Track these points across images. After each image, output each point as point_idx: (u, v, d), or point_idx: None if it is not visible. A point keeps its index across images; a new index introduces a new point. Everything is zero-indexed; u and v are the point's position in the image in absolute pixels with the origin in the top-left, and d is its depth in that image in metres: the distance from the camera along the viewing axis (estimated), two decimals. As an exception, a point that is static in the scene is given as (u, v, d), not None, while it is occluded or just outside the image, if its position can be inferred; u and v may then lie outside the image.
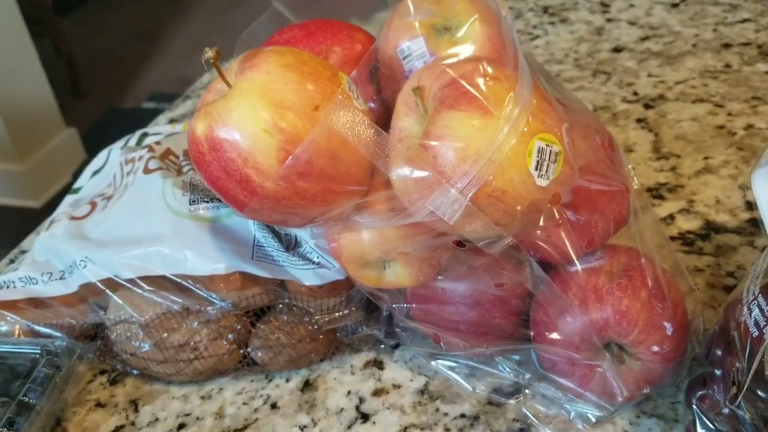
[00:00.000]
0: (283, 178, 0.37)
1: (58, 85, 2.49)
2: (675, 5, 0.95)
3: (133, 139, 0.63)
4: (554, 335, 0.43)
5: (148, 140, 0.62)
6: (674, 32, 0.89)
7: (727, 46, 0.84)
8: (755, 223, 0.59)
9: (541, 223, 0.38)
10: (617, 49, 0.87)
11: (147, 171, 0.53)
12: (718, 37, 0.86)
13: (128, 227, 0.50)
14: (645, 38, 0.89)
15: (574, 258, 0.43)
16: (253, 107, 0.36)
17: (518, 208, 0.36)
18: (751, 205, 0.61)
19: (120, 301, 0.51)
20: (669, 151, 0.69)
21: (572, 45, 0.90)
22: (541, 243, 0.40)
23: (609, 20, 0.94)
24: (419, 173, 0.35)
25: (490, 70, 0.36)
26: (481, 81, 0.35)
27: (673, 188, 0.65)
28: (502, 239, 0.37)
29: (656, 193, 0.64)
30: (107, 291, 0.51)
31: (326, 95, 0.37)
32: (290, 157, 0.36)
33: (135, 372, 0.54)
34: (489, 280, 0.43)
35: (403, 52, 0.42)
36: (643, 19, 0.93)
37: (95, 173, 0.61)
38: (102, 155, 0.62)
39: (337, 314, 0.49)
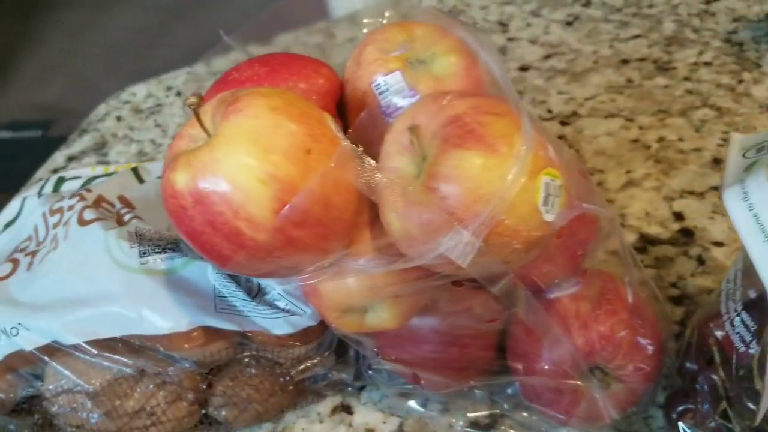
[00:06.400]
0: (278, 229, 0.34)
1: None
2: (569, 23, 0.99)
3: (49, 185, 0.57)
4: (543, 365, 0.43)
5: (66, 186, 0.56)
6: (574, 50, 0.92)
7: (625, 61, 0.88)
8: (686, 233, 0.62)
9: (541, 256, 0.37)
10: (524, 68, 0.90)
11: (82, 222, 0.48)
12: (615, 54, 0.90)
13: (69, 286, 0.45)
14: (548, 56, 0.92)
15: (556, 287, 0.43)
16: (243, 155, 0.33)
17: (526, 245, 0.35)
18: (678, 216, 0.64)
19: (61, 369, 0.45)
20: (593, 166, 0.71)
21: (479, 64, 0.92)
22: (536, 275, 0.40)
23: (510, 39, 0.97)
24: (427, 216, 0.34)
25: (489, 105, 0.35)
26: (484, 117, 0.34)
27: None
28: (505, 277, 0.36)
29: (589, 209, 0.66)
30: (46, 359, 0.45)
31: (316, 137, 0.35)
32: (287, 207, 0.34)
33: (80, 445, 0.48)
34: (481, 317, 0.42)
35: (379, 87, 0.40)
36: (542, 37, 0.96)
37: (8, 225, 0.55)
38: (14, 205, 0.56)
39: (309, 362, 0.46)
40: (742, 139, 0.47)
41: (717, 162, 0.70)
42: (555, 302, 0.43)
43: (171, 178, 0.34)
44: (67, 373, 0.45)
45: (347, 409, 0.51)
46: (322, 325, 0.46)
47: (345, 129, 0.43)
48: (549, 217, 0.35)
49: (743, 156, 0.46)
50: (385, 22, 0.43)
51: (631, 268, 0.45)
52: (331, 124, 0.37)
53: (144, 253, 0.45)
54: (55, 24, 3.53)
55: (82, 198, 0.50)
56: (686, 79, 0.83)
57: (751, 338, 0.39)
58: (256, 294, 0.47)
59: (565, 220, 0.36)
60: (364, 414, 0.50)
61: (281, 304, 0.46)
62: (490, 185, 0.33)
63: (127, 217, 0.48)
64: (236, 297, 0.45)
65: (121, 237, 0.46)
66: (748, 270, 0.41)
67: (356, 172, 0.35)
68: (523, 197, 0.34)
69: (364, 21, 0.43)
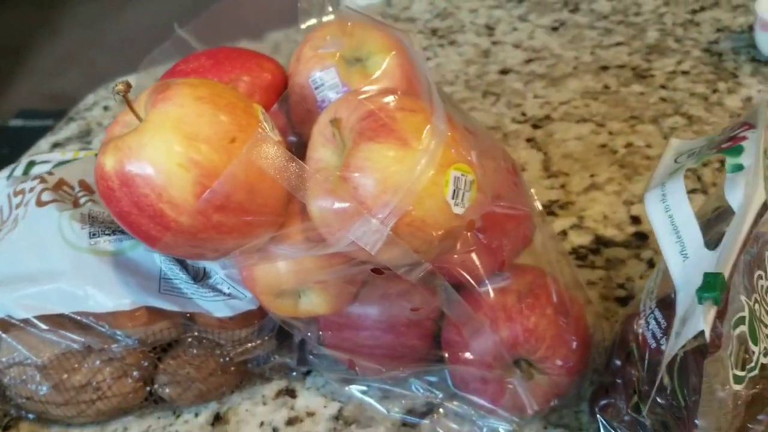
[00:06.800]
0: (199, 212, 0.36)
1: None
2: (555, 29, 1.00)
3: (20, 168, 0.59)
4: (467, 355, 0.44)
5: (36, 169, 0.59)
6: (555, 55, 0.94)
7: (604, 68, 0.89)
8: (640, 236, 0.64)
9: (457, 248, 0.39)
10: (504, 71, 0.91)
11: (40, 203, 0.50)
12: (596, 60, 0.91)
13: (22, 264, 0.48)
14: (529, 61, 0.93)
15: (486, 280, 0.44)
16: (167, 141, 0.35)
17: (436, 236, 0.37)
18: (635, 220, 0.65)
19: (13, 343, 0.48)
20: (558, 169, 0.73)
21: (461, 67, 0.93)
22: (454, 266, 0.42)
23: (494, 43, 0.98)
24: (340, 204, 0.36)
25: (405, 102, 0.37)
26: (398, 113, 0.36)
27: (563, 205, 0.68)
28: (420, 266, 0.38)
29: (549, 210, 0.67)
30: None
31: (242, 127, 0.37)
32: (208, 191, 0.36)
33: (30, 416, 0.51)
34: (405, 305, 0.44)
35: (315, 82, 0.42)
36: (526, 42, 0.98)
37: (-22, 205, 0.57)
38: (-15, 187, 0.58)
39: (249, 345, 0.48)
40: (678, 144, 0.48)
41: (682, 169, 0.71)
42: (485, 295, 0.45)
43: (101, 161, 0.36)
44: (19, 346, 0.48)
45: (291, 393, 0.52)
46: (262, 310, 0.47)
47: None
48: (458, 210, 0.36)
49: (675, 161, 0.47)
50: (324, 20, 0.45)
51: (556, 265, 0.46)
52: (261, 116, 0.39)
53: (94, 234, 0.48)
54: (72, 15, 3.58)
55: (43, 180, 0.52)
56: (662, 87, 0.84)
57: (661, 335, 0.41)
58: (201, 277, 0.49)
59: (477, 214, 0.38)
60: (306, 398, 0.52)
61: (224, 288, 0.48)
62: (399, 177, 0.35)
63: (83, 200, 0.51)
64: (181, 279, 0.48)
65: (74, 218, 0.48)
66: (667, 270, 0.42)
67: (271, 159, 0.36)
68: (431, 190, 0.35)
69: (303, 18, 0.44)
